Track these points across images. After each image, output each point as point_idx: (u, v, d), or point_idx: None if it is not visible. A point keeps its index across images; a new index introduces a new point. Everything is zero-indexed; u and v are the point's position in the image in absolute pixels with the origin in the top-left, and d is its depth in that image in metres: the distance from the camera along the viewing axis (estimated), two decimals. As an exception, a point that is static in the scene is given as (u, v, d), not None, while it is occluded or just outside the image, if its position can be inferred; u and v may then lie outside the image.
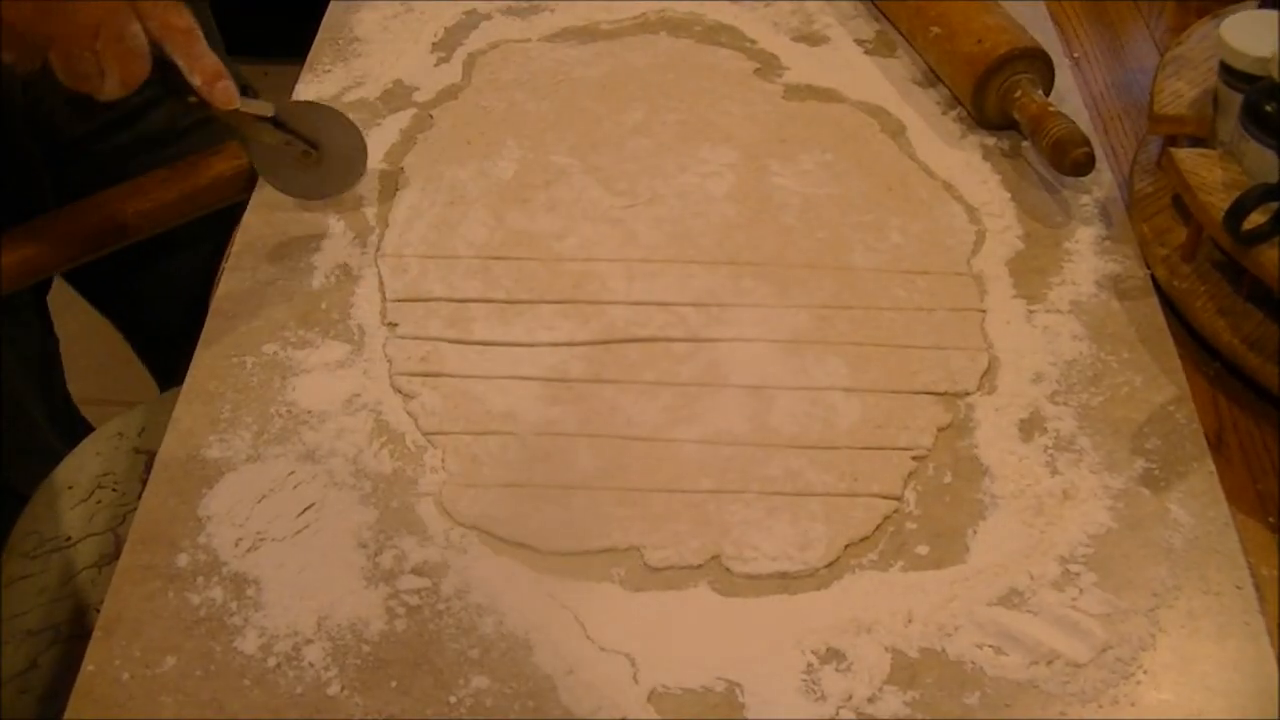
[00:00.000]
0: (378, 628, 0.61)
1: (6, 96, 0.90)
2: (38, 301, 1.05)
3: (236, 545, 0.64)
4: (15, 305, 0.91)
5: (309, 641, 0.60)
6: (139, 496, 0.67)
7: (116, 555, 0.64)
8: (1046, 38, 0.95)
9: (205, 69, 0.73)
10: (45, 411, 1.03)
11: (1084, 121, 0.88)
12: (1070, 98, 0.91)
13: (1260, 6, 0.81)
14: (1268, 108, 0.71)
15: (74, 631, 0.80)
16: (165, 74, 0.74)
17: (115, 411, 0.93)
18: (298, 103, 0.81)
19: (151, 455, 0.69)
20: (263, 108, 0.77)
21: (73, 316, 1.15)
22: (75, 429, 0.93)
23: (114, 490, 0.87)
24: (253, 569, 0.63)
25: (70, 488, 0.87)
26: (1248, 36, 0.76)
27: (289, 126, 0.78)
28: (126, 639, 0.60)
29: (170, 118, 0.98)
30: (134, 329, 1.18)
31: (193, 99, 0.75)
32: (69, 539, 0.84)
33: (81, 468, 0.88)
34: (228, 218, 0.85)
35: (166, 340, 0.75)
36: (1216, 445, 0.69)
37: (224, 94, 0.74)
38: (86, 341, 1.25)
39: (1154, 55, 0.97)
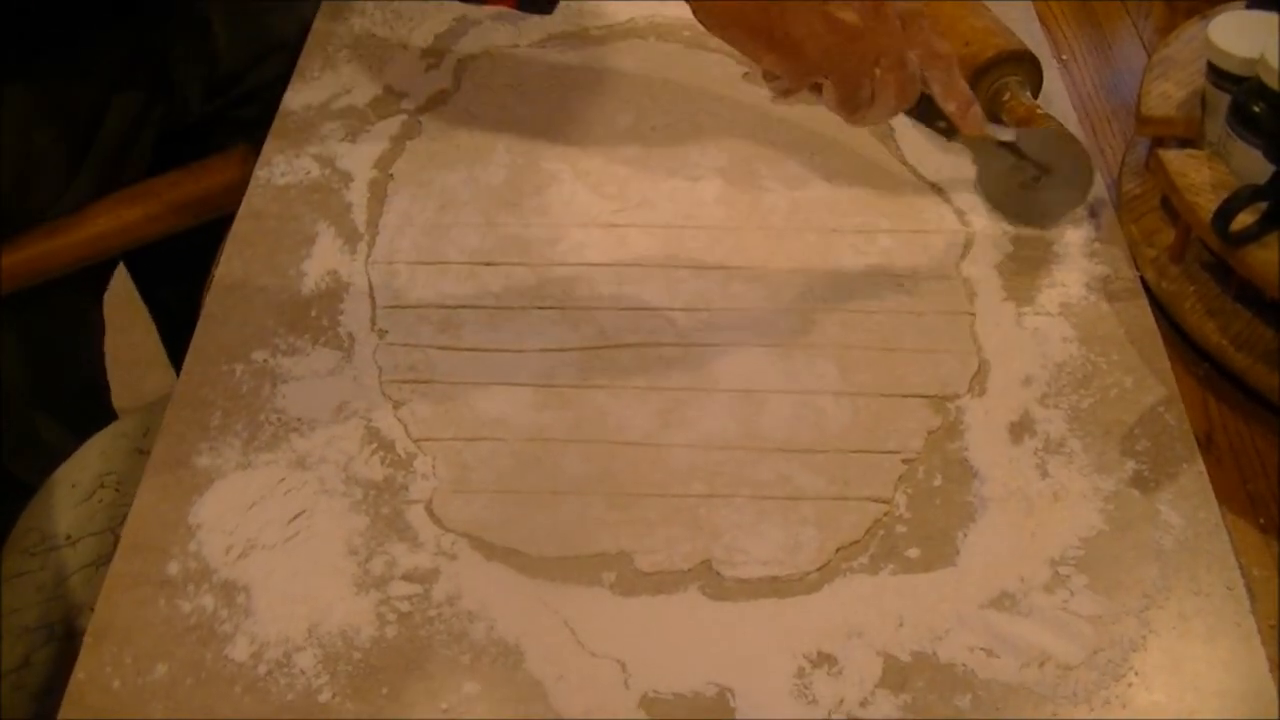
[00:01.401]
0: (368, 634, 0.61)
1: (160, 77, 0.92)
2: (60, 293, 1.04)
3: (227, 552, 0.64)
4: (22, 299, 0.91)
5: (300, 649, 0.60)
6: (138, 497, 0.67)
7: (114, 555, 0.64)
8: (1034, 40, 0.95)
9: (960, 95, 0.75)
10: (60, 403, 1.02)
11: (1072, 123, 0.88)
12: (1058, 100, 0.91)
13: (1248, 7, 0.82)
14: (1255, 108, 0.72)
15: (69, 630, 0.79)
16: (918, 99, 0.74)
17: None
18: (1032, 130, 0.82)
19: (152, 456, 0.69)
20: (1006, 133, 0.78)
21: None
22: (100, 424, 0.92)
23: (115, 490, 0.87)
24: (243, 576, 0.63)
25: (73, 486, 0.87)
26: (1235, 37, 0.76)
27: (1024, 152, 0.79)
28: (117, 646, 0.60)
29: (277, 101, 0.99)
30: (174, 328, 1.18)
31: (941, 124, 0.76)
32: (69, 537, 0.84)
33: (85, 466, 0.88)
34: None
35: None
36: (1206, 446, 0.69)
37: (975, 120, 0.76)
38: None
39: (1142, 56, 0.97)
